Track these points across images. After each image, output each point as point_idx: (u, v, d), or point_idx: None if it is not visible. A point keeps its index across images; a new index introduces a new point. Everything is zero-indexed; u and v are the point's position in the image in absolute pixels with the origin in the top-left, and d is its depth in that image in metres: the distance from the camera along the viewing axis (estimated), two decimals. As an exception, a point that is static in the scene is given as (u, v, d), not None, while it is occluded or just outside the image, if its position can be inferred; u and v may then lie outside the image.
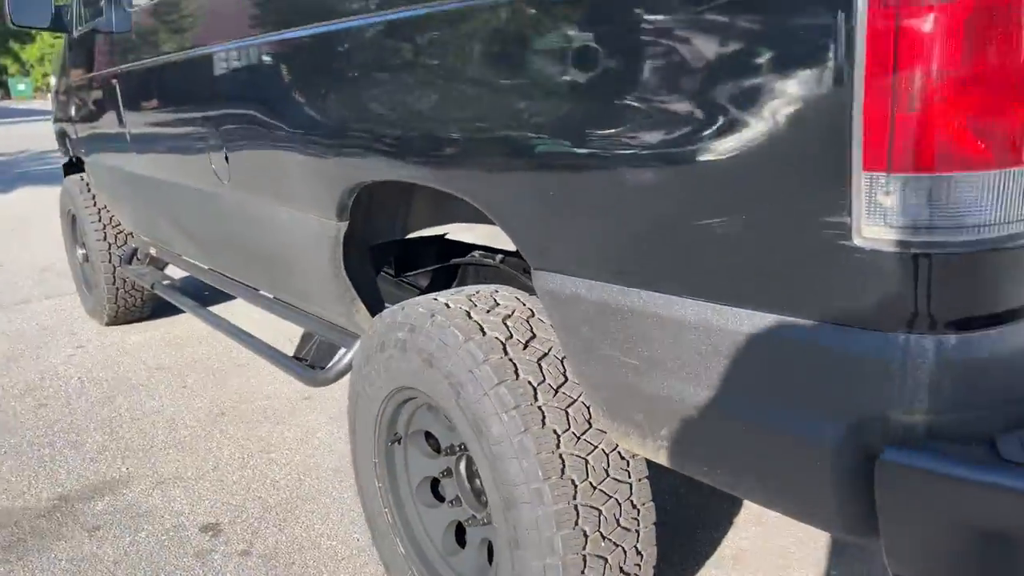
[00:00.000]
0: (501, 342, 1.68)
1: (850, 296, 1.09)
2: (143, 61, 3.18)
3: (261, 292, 3.10)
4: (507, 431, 1.60)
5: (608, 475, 1.64)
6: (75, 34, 4.07)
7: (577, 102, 1.37)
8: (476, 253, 2.78)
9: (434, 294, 1.88)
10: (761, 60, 1.10)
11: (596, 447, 1.63)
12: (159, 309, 4.92)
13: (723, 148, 1.16)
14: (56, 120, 4.86)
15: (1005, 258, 1.03)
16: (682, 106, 1.21)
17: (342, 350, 2.51)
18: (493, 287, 1.90)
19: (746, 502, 2.61)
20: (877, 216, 1.03)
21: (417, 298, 1.89)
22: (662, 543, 1.96)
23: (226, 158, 2.61)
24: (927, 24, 0.95)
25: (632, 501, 1.67)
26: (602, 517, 1.62)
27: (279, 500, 2.81)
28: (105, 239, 4.52)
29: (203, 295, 4.89)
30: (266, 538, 2.59)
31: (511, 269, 2.52)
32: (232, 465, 3.08)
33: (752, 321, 1.21)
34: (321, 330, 2.69)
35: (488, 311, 1.76)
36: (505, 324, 1.72)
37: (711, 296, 1.26)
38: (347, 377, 2.40)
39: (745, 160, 1.15)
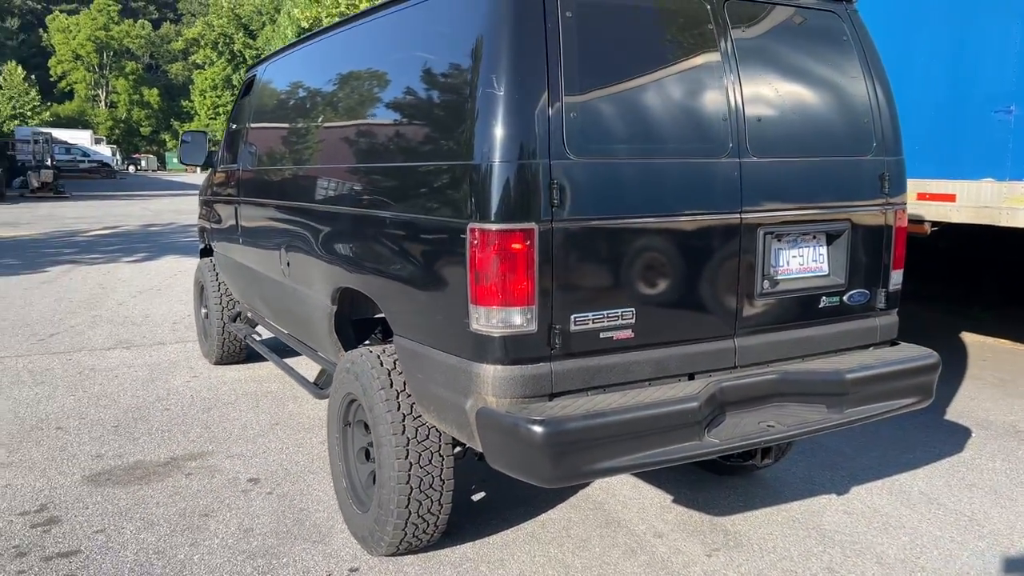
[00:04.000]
0: (387, 369, 3.47)
1: (473, 350, 2.85)
2: (251, 197, 5.25)
3: (301, 341, 5.01)
4: (382, 410, 3.37)
5: (428, 436, 3.37)
6: (218, 169, 6.25)
7: (396, 277, 3.25)
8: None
9: (366, 347, 3.71)
10: (449, 264, 2.92)
11: (424, 423, 3.38)
12: (251, 356, 6.93)
13: (436, 297, 2.99)
14: (199, 219, 7.07)
15: (520, 340, 2.78)
16: (429, 284, 3.06)
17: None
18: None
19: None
20: (475, 319, 2.80)
21: (358, 348, 3.73)
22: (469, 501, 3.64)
23: (288, 263, 4.57)
24: (487, 255, 2.74)
25: (440, 453, 3.39)
26: (421, 457, 3.35)
27: (297, 471, 4.62)
28: (220, 303, 6.59)
29: (278, 348, 6.87)
30: (284, 487, 4.40)
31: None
32: (274, 451, 4.93)
33: (446, 359, 2.99)
34: (329, 367, 4.56)
35: (387, 355, 3.56)
36: (394, 362, 3.51)
37: (438, 347, 3.05)
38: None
39: (440, 300, 2.97)
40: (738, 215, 3.14)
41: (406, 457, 3.31)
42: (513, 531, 3.91)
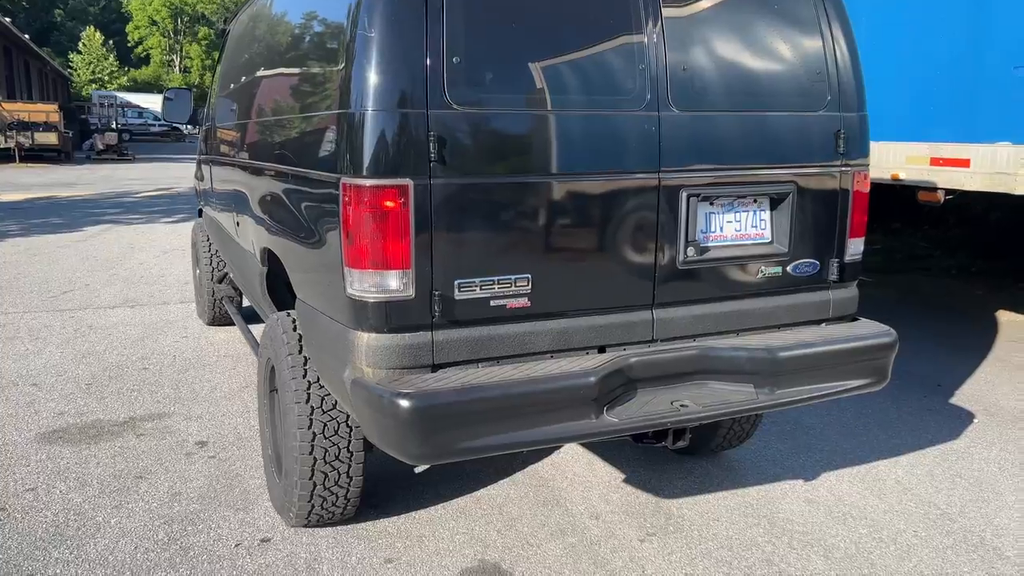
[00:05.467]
0: (299, 335, 3.31)
1: (350, 316, 2.66)
2: (215, 154, 5.14)
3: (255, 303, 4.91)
4: (287, 377, 3.22)
5: (335, 407, 3.21)
6: (204, 127, 6.17)
7: (292, 237, 3.06)
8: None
9: (286, 312, 3.56)
10: (327, 223, 2.72)
11: (330, 393, 3.22)
12: (245, 318, 6.88)
13: (320, 258, 2.80)
14: (195, 178, 7.03)
15: (397, 306, 2.58)
16: (314, 244, 2.86)
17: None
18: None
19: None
20: (350, 283, 2.61)
21: (278, 312, 3.58)
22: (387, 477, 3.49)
23: (238, 223, 4.44)
24: (359, 213, 2.54)
25: (348, 424, 3.22)
26: (326, 427, 3.19)
27: (248, 436, 4.52)
28: (210, 264, 6.54)
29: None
30: (228, 451, 4.31)
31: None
32: (234, 414, 4.85)
33: (329, 325, 2.80)
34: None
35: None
36: (307, 327, 3.35)
37: (324, 312, 2.86)
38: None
39: (324, 262, 2.78)
40: (655, 175, 2.85)
41: (309, 427, 3.15)
42: (444, 506, 3.74)
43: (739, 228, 3.08)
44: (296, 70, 3.14)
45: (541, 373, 2.65)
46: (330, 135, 2.71)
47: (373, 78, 2.51)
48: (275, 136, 3.34)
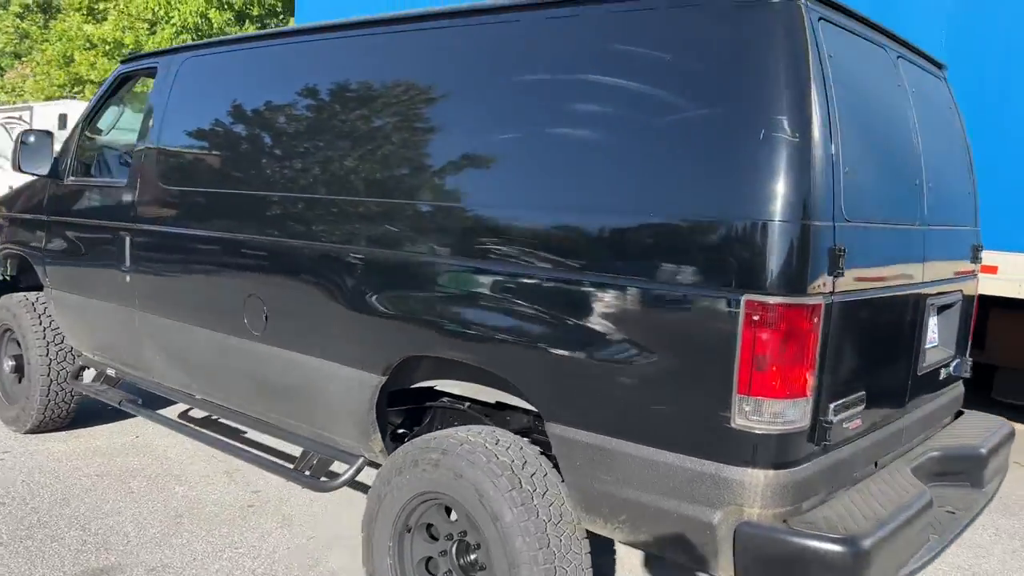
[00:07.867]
0: (510, 464, 2.75)
1: (729, 450, 2.31)
2: (176, 227, 4.03)
3: (256, 415, 3.91)
4: (515, 519, 2.64)
5: (571, 549, 2.71)
6: (67, 181, 4.79)
7: (569, 343, 2.59)
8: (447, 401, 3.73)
9: (455, 430, 2.93)
10: (695, 343, 2.36)
11: (565, 530, 2.71)
12: (77, 420, 5.40)
13: (662, 382, 2.42)
14: (7, 242, 5.37)
15: (793, 438, 2.31)
16: (649, 365, 2.46)
17: (345, 465, 3.43)
18: (491, 428, 2.97)
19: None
20: (742, 413, 2.28)
21: (445, 431, 2.94)
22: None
23: (265, 318, 3.53)
24: (770, 335, 2.23)
25: (583, 568, 2.74)
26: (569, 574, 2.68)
27: (262, 584, 3.57)
28: (47, 355, 5.06)
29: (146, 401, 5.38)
30: (265, 611, 3.36)
31: (475, 412, 3.54)
32: (209, 556, 3.79)
33: (674, 460, 2.41)
34: (319, 449, 3.59)
35: (496, 443, 2.83)
36: (509, 452, 2.79)
37: (657, 444, 2.45)
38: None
39: (672, 387, 2.39)
40: (922, 286, 2.97)
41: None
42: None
43: (928, 334, 3.27)
44: (597, 158, 2.59)
45: (901, 500, 2.54)
46: (706, 243, 2.34)
47: (786, 184, 2.24)
48: (528, 231, 2.69)
